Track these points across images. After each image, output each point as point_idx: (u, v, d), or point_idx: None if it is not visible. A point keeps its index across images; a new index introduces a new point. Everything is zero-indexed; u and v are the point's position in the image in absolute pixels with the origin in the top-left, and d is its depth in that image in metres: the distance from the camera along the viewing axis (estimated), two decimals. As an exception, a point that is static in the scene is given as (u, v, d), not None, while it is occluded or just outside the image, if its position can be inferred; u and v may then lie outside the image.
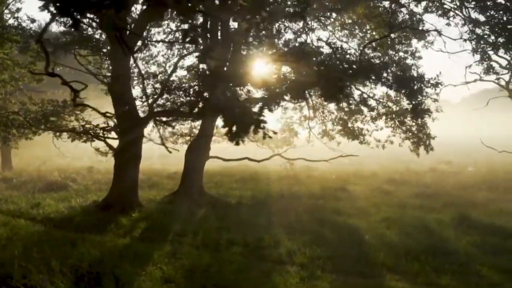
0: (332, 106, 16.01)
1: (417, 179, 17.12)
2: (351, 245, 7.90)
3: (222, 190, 14.97)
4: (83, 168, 18.87)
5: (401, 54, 15.08)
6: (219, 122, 17.24)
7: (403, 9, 13.79)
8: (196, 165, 13.48)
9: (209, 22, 9.87)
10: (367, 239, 8.33)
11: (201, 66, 10.28)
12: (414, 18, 14.22)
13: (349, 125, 15.38)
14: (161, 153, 27.21)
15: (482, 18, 11.18)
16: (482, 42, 11.48)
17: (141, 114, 11.54)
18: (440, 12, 12.15)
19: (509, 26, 10.37)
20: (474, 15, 11.42)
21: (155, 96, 10.93)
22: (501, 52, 11.59)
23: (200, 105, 9.91)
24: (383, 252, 7.32)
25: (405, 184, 16.00)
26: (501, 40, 10.70)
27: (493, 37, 10.99)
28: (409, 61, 14.86)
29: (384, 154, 22.16)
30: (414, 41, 15.31)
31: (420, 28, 14.18)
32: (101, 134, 11.23)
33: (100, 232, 8.81)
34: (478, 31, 11.29)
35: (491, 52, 11.93)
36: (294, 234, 8.74)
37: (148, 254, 6.96)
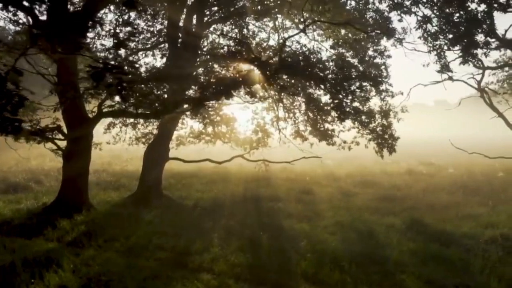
0: (303, 106, 15.67)
1: (389, 181, 16.67)
2: (281, 251, 7.56)
3: (186, 192, 14.63)
4: (54, 169, 18.64)
5: (370, 52, 14.76)
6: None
7: (369, 6, 13.40)
8: (154, 166, 13.21)
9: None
10: (302, 245, 7.97)
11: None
12: (382, 16, 13.86)
13: (318, 125, 14.97)
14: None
15: (439, 14, 10.74)
16: (432, 39, 11.05)
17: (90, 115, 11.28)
18: (402, 9, 11.70)
19: (464, 24, 9.93)
20: (426, 11, 11.01)
21: (103, 96, 10.63)
22: (456, 50, 11.13)
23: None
24: (307, 260, 6.96)
25: (374, 186, 15.58)
26: (449, 36, 10.25)
27: (442, 35, 10.55)
28: (377, 60, 14.55)
29: (369, 155, 21.67)
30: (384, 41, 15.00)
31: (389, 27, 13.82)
32: (49, 135, 10.93)
33: (34, 236, 8.58)
34: (430, 28, 10.89)
35: (447, 51, 11.50)
36: (230, 239, 8.43)
37: (59, 260, 6.67)
